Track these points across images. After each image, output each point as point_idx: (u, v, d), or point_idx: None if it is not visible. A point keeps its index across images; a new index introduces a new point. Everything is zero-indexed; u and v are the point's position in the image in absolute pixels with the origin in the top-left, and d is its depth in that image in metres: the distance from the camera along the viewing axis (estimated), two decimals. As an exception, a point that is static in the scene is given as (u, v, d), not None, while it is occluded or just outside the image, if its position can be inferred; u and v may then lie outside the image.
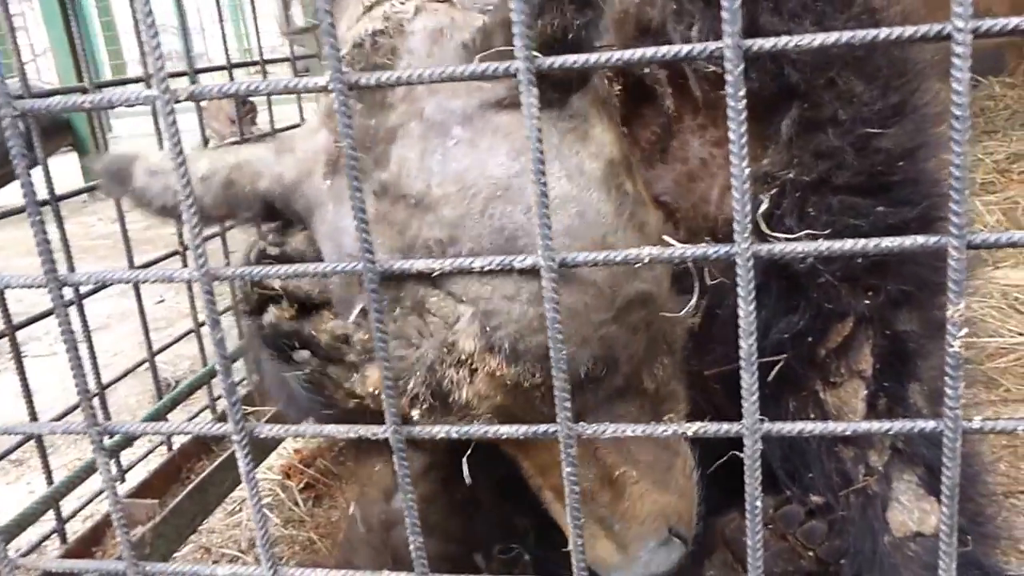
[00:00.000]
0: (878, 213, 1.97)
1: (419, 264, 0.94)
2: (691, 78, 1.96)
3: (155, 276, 1.10)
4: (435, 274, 1.41)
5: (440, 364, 1.47)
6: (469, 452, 1.68)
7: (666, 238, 1.86)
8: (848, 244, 0.81)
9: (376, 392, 1.52)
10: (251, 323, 1.59)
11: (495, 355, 1.46)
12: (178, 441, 2.87)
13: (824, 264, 1.99)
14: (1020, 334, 3.95)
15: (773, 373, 2.02)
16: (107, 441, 1.13)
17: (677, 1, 1.93)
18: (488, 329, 1.46)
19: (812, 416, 2.10)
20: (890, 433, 0.83)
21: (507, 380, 1.47)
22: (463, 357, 1.46)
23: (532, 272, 1.39)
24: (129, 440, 2.76)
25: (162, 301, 5.81)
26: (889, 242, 0.79)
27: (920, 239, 0.79)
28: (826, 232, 1.92)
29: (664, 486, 1.81)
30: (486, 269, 0.90)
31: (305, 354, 1.53)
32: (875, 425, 0.89)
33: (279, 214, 1.65)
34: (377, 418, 1.45)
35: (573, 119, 1.55)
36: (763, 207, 1.95)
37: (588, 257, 0.88)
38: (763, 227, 1.93)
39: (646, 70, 1.94)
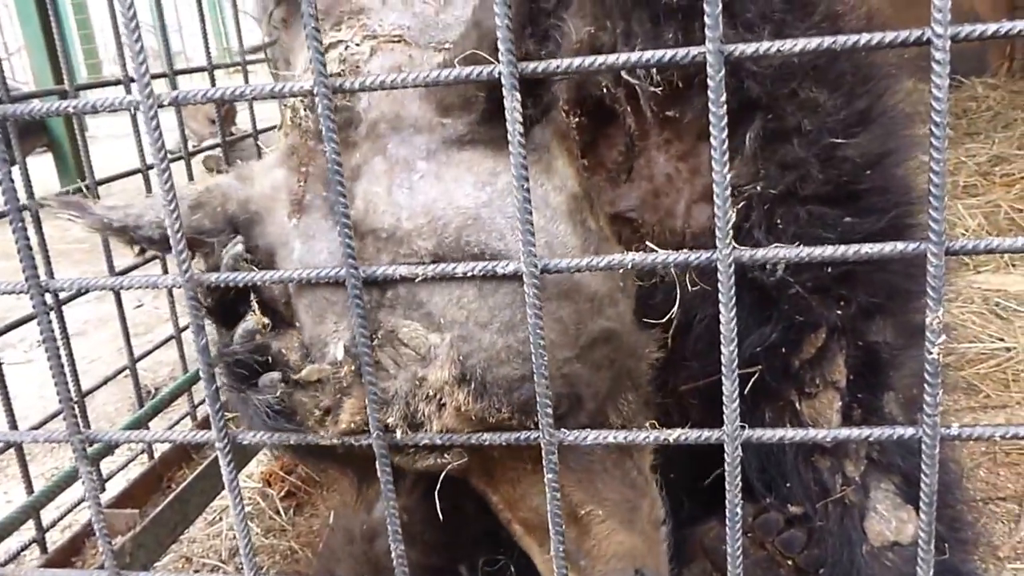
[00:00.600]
0: (846, 224, 1.98)
1: (403, 270, 0.94)
2: (641, 97, 1.97)
3: (139, 282, 1.10)
4: (412, 301, 1.43)
5: (412, 397, 1.47)
6: (439, 487, 1.67)
7: (649, 244, 1.86)
8: (828, 251, 0.82)
9: (352, 426, 1.49)
10: (218, 338, 1.57)
11: (463, 387, 1.45)
12: (159, 449, 2.86)
13: (794, 275, 2.00)
14: (1000, 340, 3.97)
15: (749, 385, 2.03)
16: (89, 450, 1.12)
17: (625, 23, 1.94)
18: (461, 357, 1.45)
19: (789, 426, 2.10)
20: (869, 441, 0.83)
21: (473, 415, 1.47)
22: (432, 392, 1.45)
23: (509, 298, 1.43)
24: (110, 448, 2.74)
25: (140, 306, 5.77)
26: (869, 248, 0.80)
27: (900, 245, 0.80)
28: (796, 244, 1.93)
29: (630, 526, 1.80)
30: (469, 275, 0.91)
31: (274, 376, 1.47)
32: (854, 432, 0.89)
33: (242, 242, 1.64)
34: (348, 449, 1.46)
35: (536, 151, 1.56)
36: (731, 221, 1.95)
37: (571, 263, 0.89)
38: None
39: (604, 90, 1.95)
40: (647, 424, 1.87)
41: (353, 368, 1.44)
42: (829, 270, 2.01)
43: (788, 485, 2.13)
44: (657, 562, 1.86)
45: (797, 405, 2.09)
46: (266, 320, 1.48)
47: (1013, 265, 4.73)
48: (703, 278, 1.95)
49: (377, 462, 1.00)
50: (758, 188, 1.97)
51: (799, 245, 0.84)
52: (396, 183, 1.47)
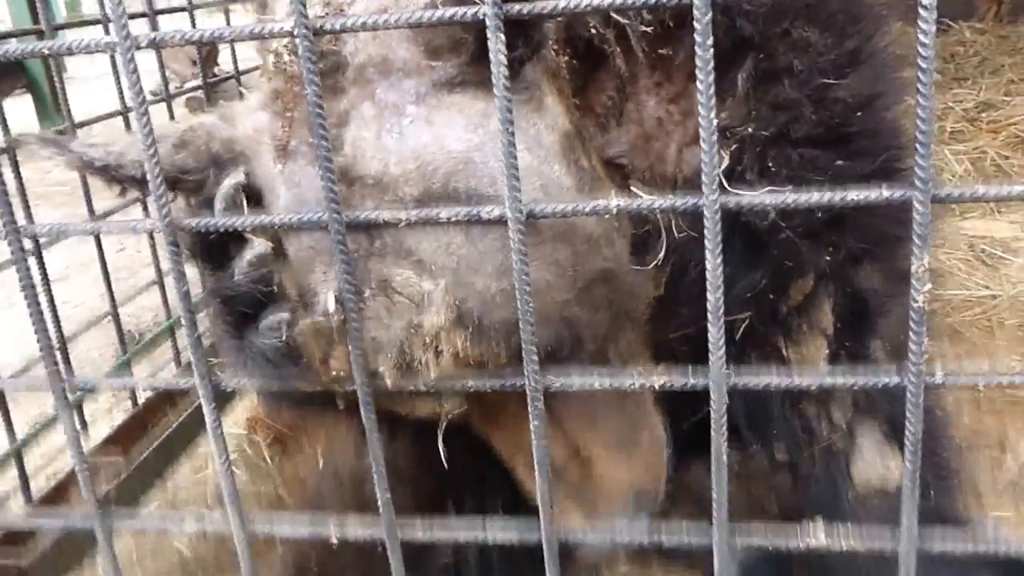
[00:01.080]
0: (837, 167, 1.96)
1: (385, 215, 0.93)
2: (632, 37, 1.94)
3: (118, 227, 1.08)
4: (401, 249, 1.41)
5: (409, 345, 1.46)
6: (432, 431, 1.67)
7: (634, 189, 1.84)
8: (814, 196, 0.81)
9: (343, 373, 1.46)
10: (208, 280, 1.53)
11: (460, 332, 1.44)
12: (143, 394, 2.85)
13: (785, 220, 1.99)
14: (986, 287, 3.97)
15: (740, 331, 2.03)
16: (72, 396, 1.11)
17: None
18: (456, 302, 1.44)
19: (775, 373, 2.10)
20: (855, 387, 0.83)
21: (472, 360, 1.46)
22: (428, 339, 1.44)
23: (499, 243, 1.40)
24: (93, 394, 2.74)
25: (123, 250, 5.70)
26: (854, 194, 0.79)
27: (885, 192, 0.79)
28: (787, 188, 1.92)
29: (630, 458, 1.82)
30: (453, 220, 0.89)
31: (282, 316, 1.39)
32: (839, 379, 0.89)
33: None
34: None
35: (527, 90, 1.53)
36: (723, 163, 1.94)
37: (556, 208, 0.87)
38: (724, 184, 1.93)
39: (593, 31, 1.92)
40: (641, 366, 1.88)
41: (343, 317, 1.42)
42: (819, 215, 2.00)
43: (774, 431, 2.13)
44: (657, 486, 1.88)
45: (784, 351, 2.08)
46: (272, 245, 1.45)
47: (999, 211, 4.72)
48: (693, 224, 1.94)
49: (361, 408, 0.99)
50: (750, 130, 1.95)
51: (791, 190, 0.83)
52: (385, 128, 1.45)
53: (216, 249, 1.44)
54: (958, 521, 2.15)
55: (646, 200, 0.85)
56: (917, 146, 0.72)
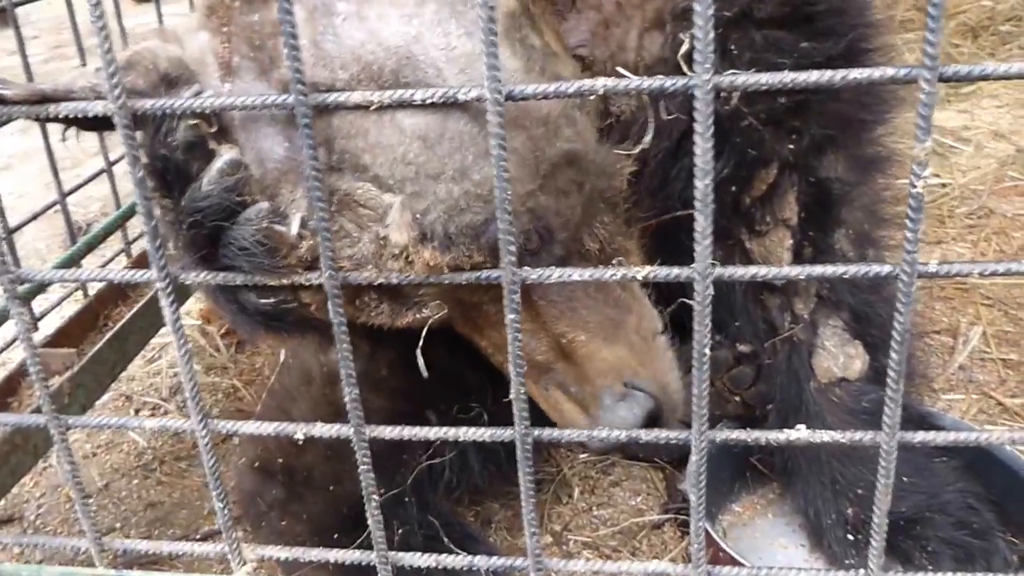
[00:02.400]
0: (803, 49, 1.92)
1: (355, 97, 0.87)
2: None
3: (67, 109, 1.02)
4: (357, 165, 1.40)
5: (380, 258, 1.42)
6: (422, 343, 1.63)
7: (620, 69, 1.79)
8: (813, 76, 0.77)
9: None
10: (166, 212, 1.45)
11: (427, 244, 1.41)
12: (94, 287, 2.78)
13: (747, 106, 1.95)
14: (936, 175, 3.98)
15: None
16: (20, 289, 1.06)
17: None
18: (418, 216, 1.41)
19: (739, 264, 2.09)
20: (845, 277, 0.80)
21: (445, 266, 1.42)
22: (397, 251, 1.41)
23: (456, 143, 1.39)
24: (42, 287, 2.66)
25: (65, 140, 5.56)
26: (858, 73, 0.75)
27: (890, 71, 0.75)
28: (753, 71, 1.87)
29: (614, 342, 1.79)
30: (428, 102, 0.84)
31: (262, 206, 1.36)
32: (828, 269, 0.86)
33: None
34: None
35: None
36: (684, 47, 1.88)
37: (537, 89, 0.83)
38: (684, 68, 1.87)
39: None
40: (629, 247, 1.85)
41: (313, 241, 1.37)
42: (783, 100, 1.96)
43: (737, 323, 2.13)
44: (652, 371, 1.84)
45: (747, 243, 2.07)
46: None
47: (948, 101, 4.72)
48: (673, 107, 1.89)
49: (329, 302, 0.95)
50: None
51: (788, 70, 0.79)
52: (320, 32, 1.40)
53: (178, 176, 1.38)
54: (914, 408, 2.18)
55: (634, 80, 0.80)
56: (929, 20, 0.68)
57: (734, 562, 1.86)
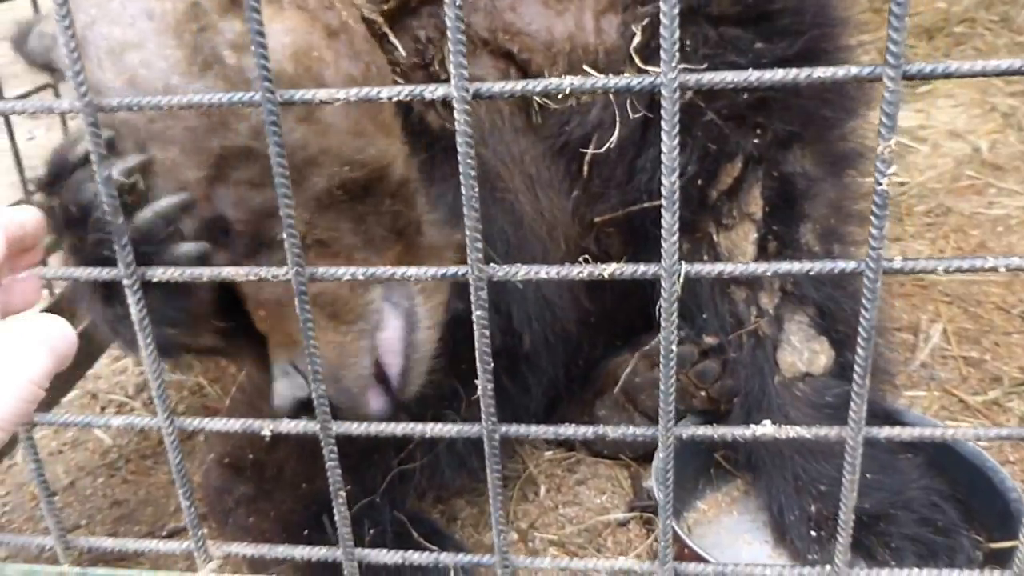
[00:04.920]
0: (758, 49, 1.92)
1: (321, 94, 0.87)
2: None
3: (35, 107, 1.01)
4: None
5: None
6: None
7: (587, 68, 1.77)
8: (779, 74, 0.77)
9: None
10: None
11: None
12: (60, 285, 2.75)
13: (707, 101, 1.95)
14: (895, 175, 4.01)
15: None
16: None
17: None
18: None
19: (706, 259, 2.09)
20: (811, 274, 0.81)
21: None
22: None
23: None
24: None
25: (32, 139, 5.50)
26: (822, 72, 0.76)
27: (854, 69, 0.76)
28: (704, 67, 1.86)
29: (288, 319, 1.61)
30: (395, 99, 0.84)
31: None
32: (795, 266, 0.87)
33: None
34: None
35: None
36: (636, 40, 1.87)
37: (505, 88, 0.82)
38: (638, 62, 1.86)
39: None
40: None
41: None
42: (745, 96, 1.96)
43: (703, 316, 2.14)
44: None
45: (715, 237, 2.07)
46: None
47: (904, 100, 4.76)
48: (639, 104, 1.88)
49: (296, 299, 0.95)
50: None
51: (750, 70, 0.79)
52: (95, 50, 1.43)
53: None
54: (877, 403, 2.19)
55: (600, 79, 0.80)
56: (892, 19, 0.69)
57: (699, 559, 1.86)
